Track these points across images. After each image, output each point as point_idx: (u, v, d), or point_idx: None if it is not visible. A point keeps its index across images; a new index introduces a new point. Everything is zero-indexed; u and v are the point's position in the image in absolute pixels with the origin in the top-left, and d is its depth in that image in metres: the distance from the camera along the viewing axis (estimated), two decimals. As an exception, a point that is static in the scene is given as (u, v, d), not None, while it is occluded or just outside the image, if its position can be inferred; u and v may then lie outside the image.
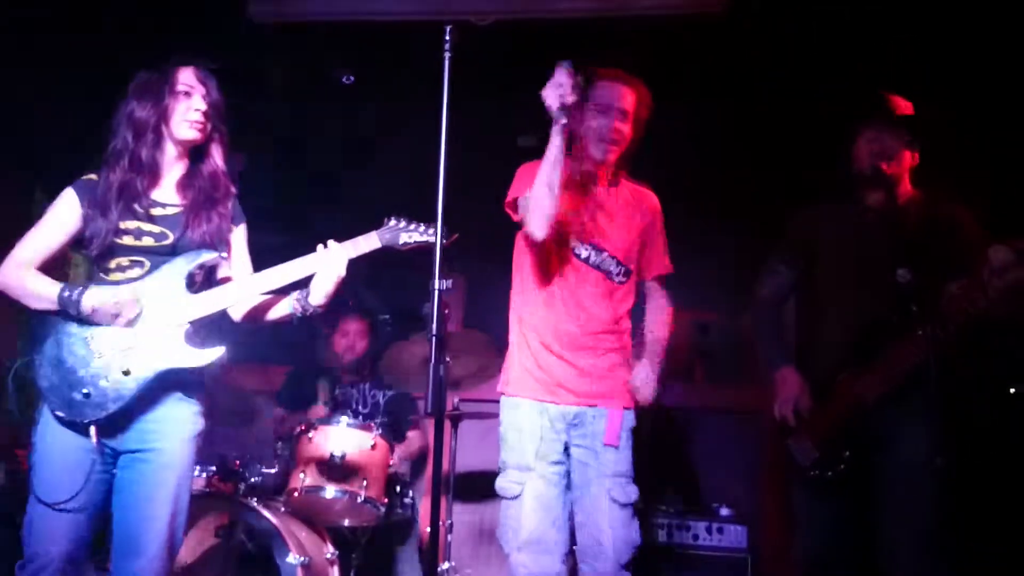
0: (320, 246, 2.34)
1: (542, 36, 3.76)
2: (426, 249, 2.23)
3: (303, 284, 2.35)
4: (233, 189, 2.43)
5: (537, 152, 2.54)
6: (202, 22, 3.92)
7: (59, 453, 2.18)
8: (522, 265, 2.82)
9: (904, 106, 2.77)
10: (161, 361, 2.23)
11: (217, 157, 2.39)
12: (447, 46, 2.15)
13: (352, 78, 4.32)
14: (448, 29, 2.16)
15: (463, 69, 2.17)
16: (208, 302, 2.28)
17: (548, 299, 2.71)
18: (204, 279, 2.37)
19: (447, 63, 2.15)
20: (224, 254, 2.38)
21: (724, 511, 3.90)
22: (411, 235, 2.33)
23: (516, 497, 2.62)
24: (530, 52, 3.96)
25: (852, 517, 2.68)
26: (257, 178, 4.84)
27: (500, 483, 2.68)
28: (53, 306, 2.19)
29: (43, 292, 2.20)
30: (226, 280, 2.43)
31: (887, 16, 3.56)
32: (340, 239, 2.37)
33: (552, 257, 2.70)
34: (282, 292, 2.40)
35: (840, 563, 2.69)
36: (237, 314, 2.43)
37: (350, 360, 4.09)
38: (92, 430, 2.17)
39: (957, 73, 3.62)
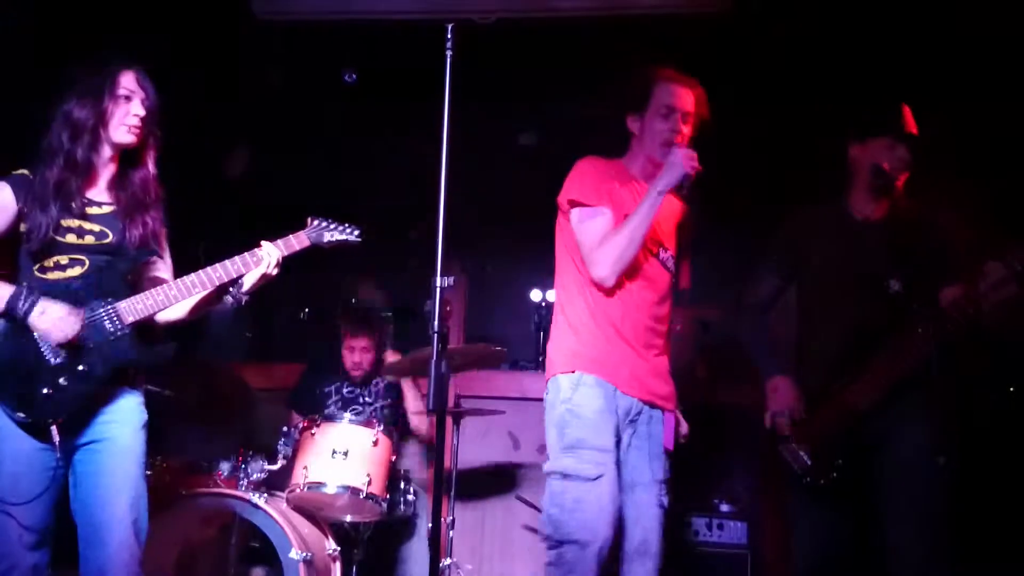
0: (264, 242, 2.39)
1: (544, 35, 3.77)
2: (347, 247, 2.47)
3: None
4: (162, 194, 2.43)
5: (537, 151, 2.55)
6: (206, 20, 3.94)
7: (23, 453, 2.19)
8: None
9: (912, 121, 2.80)
10: (116, 358, 2.25)
11: (150, 162, 2.40)
12: (449, 45, 2.16)
13: (355, 76, 4.34)
14: (450, 28, 2.17)
15: (465, 68, 2.18)
16: (152, 301, 2.29)
17: (627, 293, 2.58)
18: (136, 279, 2.39)
19: (449, 62, 2.16)
20: (160, 255, 2.43)
21: (724, 507, 3.91)
22: (333, 234, 2.46)
23: (595, 479, 2.42)
24: (532, 51, 3.99)
25: (848, 524, 2.70)
26: (255, 174, 4.89)
27: (570, 463, 2.45)
28: None
29: None
30: (157, 280, 2.43)
31: (888, 17, 3.57)
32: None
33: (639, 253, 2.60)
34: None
35: (836, 570, 2.70)
36: (172, 314, 2.41)
37: (358, 376, 4.10)
38: (54, 429, 2.18)
39: (956, 75, 3.63)
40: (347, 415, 3.53)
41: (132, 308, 2.27)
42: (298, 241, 2.42)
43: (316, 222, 2.45)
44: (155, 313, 2.30)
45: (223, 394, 4.22)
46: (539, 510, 4.20)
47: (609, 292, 2.57)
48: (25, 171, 2.30)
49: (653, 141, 2.63)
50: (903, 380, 2.59)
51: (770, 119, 4.13)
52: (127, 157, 2.37)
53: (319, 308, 4.80)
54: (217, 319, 4.14)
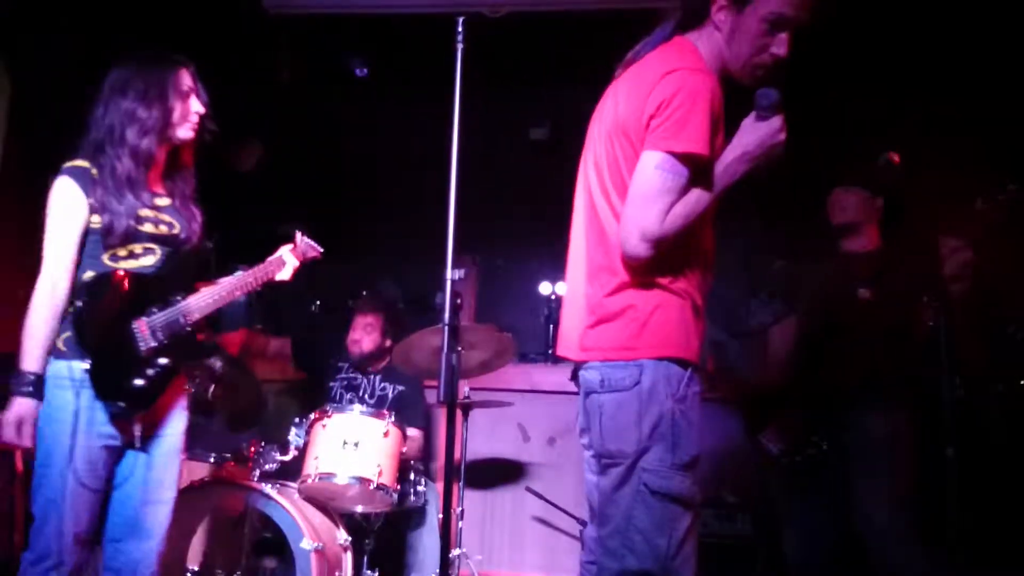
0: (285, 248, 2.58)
1: (555, 28, 3.77)
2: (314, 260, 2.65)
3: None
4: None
5: (548, 143, 2.55)
6: (217, 13, 3.96)
7: (90, 441, 2.22)
8: None
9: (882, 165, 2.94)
10: (185, 353, 2.34)
11: (190, 157, 2.45)
12: (460, 38, 2.17)
13: (366, 70, 4.35)
14: (461, 21, 2.17)
15: (476, 61, 2.19)
16: (212, 299, 2.35)
17: (703, 258, 1.97)
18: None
19: (460, 55, 2.16)
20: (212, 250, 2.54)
21: (731, 498, 3.92)
22: (313, 251, 2.64)
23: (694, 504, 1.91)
24: (543, 44, 3.99)
25: (831, 504, 2.87)
26: (270, 168, 4.91)
27: (685, 487, 1.87)
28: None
29: (29, 351, 2.18)
30: (204, 276, 2.49)
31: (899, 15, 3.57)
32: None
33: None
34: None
35: (826, 551, 2.82)
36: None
37: (356, 353, 4.09)
38: (137, 419, 2.25)
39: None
40: (358, 406, 3.55)
41: (198, 305, 2.33)
42: (296, 256, 2.59)
43: (303, 239, 2.63)
44: (215, 310, 2.36)
45: (234, 386, 4.24)
46: (548, 501, 4.25)
47: (692, 258, 1.95)
48: (83, 163, 2.28)
49: (743, 50, 1.93)
50: (876, 369, 2.84)
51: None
52: (174, 152, 2.42)
53: (330, 301, 4.82)
54: (228, 312, 4.19)
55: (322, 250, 2.67)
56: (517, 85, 3.74)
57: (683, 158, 1.79)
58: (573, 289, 2.05)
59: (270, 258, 2.54)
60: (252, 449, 3.51)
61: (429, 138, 2.65)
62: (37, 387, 2.17)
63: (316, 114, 4.75)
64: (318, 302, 4.56)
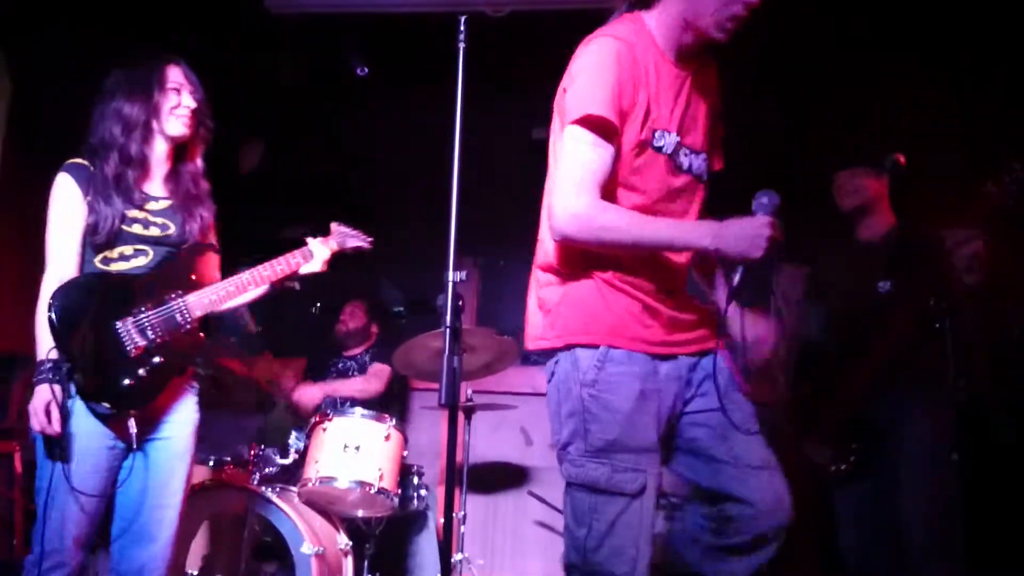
0: (310, 239, 2.55)
1: (557, 27, 3.74)
2: (361, 252, 2.67)
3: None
4: (209, 188, 2.47)
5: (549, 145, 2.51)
6: (219, 13, 3.94)
7: (92, 452, 2.19)
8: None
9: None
10: (186, 351, 2.31)
11: (198, 157, 2.43)
12: (462, 37, 2.14)
13: (367, 70, 4.33)
14: (463, 20, 2.15)
15: (478, 61, 2.16)
16: (217, 296, 2.34)
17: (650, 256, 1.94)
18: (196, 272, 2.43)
19: (462, 55, 2.14)
20: (216, 248, 2.48)
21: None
22: (353, 240, 2.65)
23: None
24: (545, 44, 3.96)
25: (877, 502, 2.84)
26: (270, 168, 4.90)
27: (600, 474, 1.82)
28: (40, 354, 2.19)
29: (43, 341, 2.18)
30: (210, 273, 2.47)
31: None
32: (353, 227, 2.63)
33: None
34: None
35: (878, 547, 2.82)
36: (227, 306, 2.45)
37: (343, 332, 4.37)
38: (131, 422, 2.20)
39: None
40: (358, 409, 3.53)
41: (200, 302, 2.31)
42: (328, 246, 2.56)
43: (340, 228, 2.62)
44: (219, 307, 2.35)
45: (234, 389, 4.24)
46: (551, 506, 4.23)
47: None
48: (82, 160, 2.29)
49: (707, 4, 1.84)
50: (900, 358, 2.76)
51: (784, 102, 4.10)
52: (179, 152, 2.40)
53: (330, 303, 4.80)
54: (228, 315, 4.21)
55: (370, 239, 2.68)
56: (519, 84, 3.71)
57: (585, 122, 1.79)
58: None
59: (296, 250, 2.49)
60: (252, 452, 3.49)
61: (430, 138, 2.63)
62: (55, 371, 2.16)
63: (316, 114, 4.73)
64: (318, 304, 4.56)
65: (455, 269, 2.02)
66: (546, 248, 1.95)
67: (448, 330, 1.97)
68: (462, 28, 2.15)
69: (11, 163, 3.99)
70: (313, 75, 4.48)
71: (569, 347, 1.86)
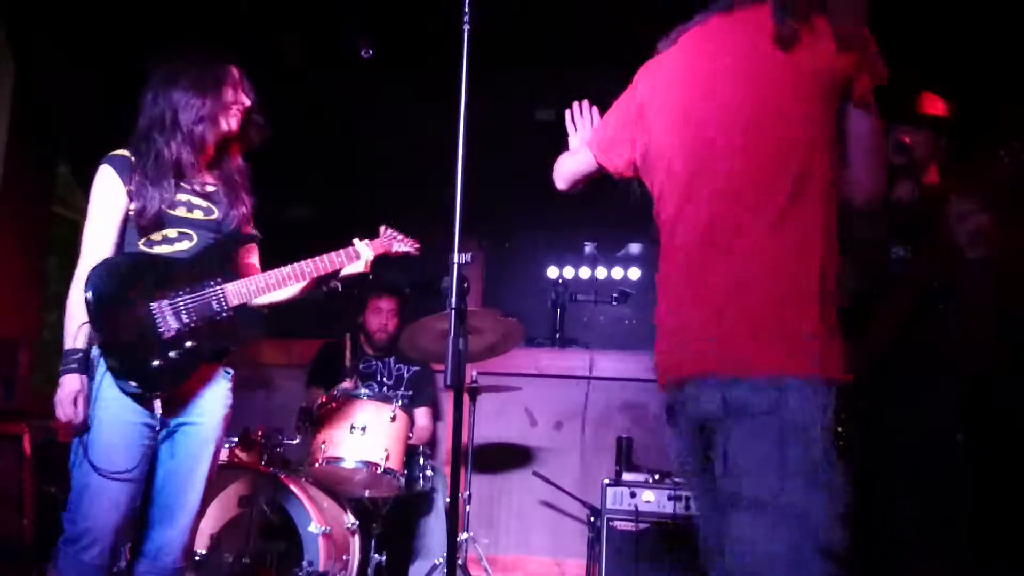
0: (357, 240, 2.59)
1: (561, 8, 3.72)
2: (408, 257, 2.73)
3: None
4: (250, 179, 2.52)
5: (556, 124, 2.50)
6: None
7: (119, 425, 2.21)
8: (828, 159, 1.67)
9: (931, 103, 2.79)
10: (220, 338, 2.33)
11: (239, 151, 2.50)
12: (466, 18, 2.13)
13: (371, 51, 4.31)
14: (467, 1, 2.14)
15: (482, 42, 2.15)
16: (255, 287, 2.37)
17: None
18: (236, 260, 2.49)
19: (466, 34, 2.13)
20: (256, 238, 2.52)
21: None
22: (401, 245, 2.73)
23: None
24: (549, 24, 3.94)
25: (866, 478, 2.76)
26: (273, 152, 4.88)
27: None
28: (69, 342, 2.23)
29: (71, 331, 2.22)
30: (250, 263, 2.54)
31: None
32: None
33: None
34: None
35: (863, 521, 2.78)
36: (269, 299, 2.51)
37: (382, 339, 4.15)
38: (157, 403, 2.22)
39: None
40: (365, 390, 3.54)
41: (238, 291, 2.35)
42: (373, 248, 2.62)
43: (388, 232, 2.71)
44: (256, 298, 2.38)
45: (243, 369, 4.26)
46: (555, 485, 4.25)
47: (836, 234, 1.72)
48: (123, 152, 2.34)
49: None
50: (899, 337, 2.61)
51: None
52: (223, 145, 2.46)
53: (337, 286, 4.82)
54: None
55: (418, 245, 2.74)
56: (523, 65, 3.70)
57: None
58: None
59: (341, 249, 2.54)
60: (259, 433, 3.51)
61: (434, 120, 2.63)
62: (82, 362, 2.20)
63: (320, 96, 4.72)
64: (324, 288, 4.56)
65: (460, 251, 2.02)
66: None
67: (453, 312, 1.98)
68: (466, 9, 2.13)
69: (13, 156, 3.97)
70: (316, 57, 4.46)
71: None
